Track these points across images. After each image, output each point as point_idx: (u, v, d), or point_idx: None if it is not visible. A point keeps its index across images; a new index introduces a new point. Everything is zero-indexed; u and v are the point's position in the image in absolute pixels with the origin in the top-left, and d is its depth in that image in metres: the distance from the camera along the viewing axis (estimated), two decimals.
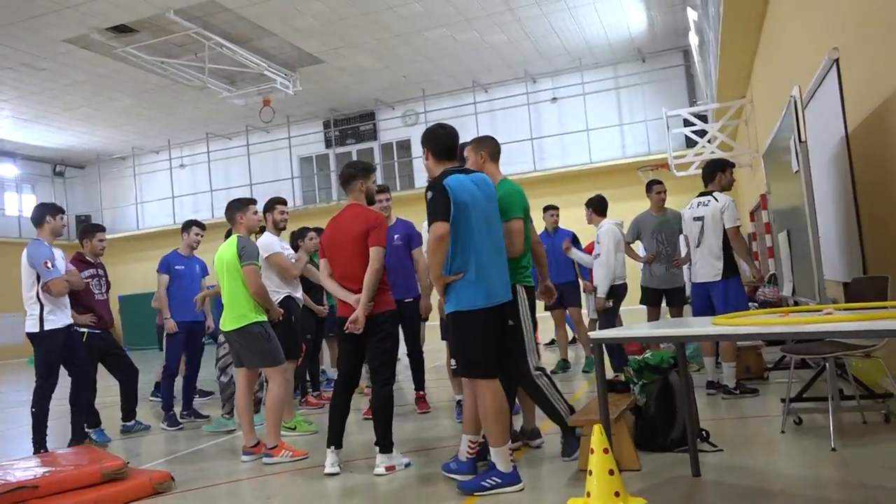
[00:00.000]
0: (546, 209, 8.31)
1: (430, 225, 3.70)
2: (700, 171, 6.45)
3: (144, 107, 19.72)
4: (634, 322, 6.50)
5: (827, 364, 4.37)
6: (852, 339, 4.04)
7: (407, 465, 4.32)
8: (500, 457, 3.64)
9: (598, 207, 7.05)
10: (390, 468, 4.23)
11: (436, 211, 3.68)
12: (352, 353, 4.45)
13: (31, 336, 5.57)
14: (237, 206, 5.18)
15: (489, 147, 4.32)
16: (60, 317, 5.61)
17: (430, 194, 3.74)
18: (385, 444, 4.26)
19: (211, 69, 16.17)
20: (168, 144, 23.61)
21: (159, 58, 15.71)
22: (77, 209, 24.83)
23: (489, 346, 3.74)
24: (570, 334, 10.36)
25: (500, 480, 3.60)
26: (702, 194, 5.97)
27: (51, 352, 5.57)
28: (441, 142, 3.98)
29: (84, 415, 5.90)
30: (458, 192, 3.71)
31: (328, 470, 4.30)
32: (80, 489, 4.02)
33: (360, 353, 4.45)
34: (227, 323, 4.99)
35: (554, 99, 20.34)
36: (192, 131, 22.62)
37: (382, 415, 4.29)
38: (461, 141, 4.24)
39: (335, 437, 4.35)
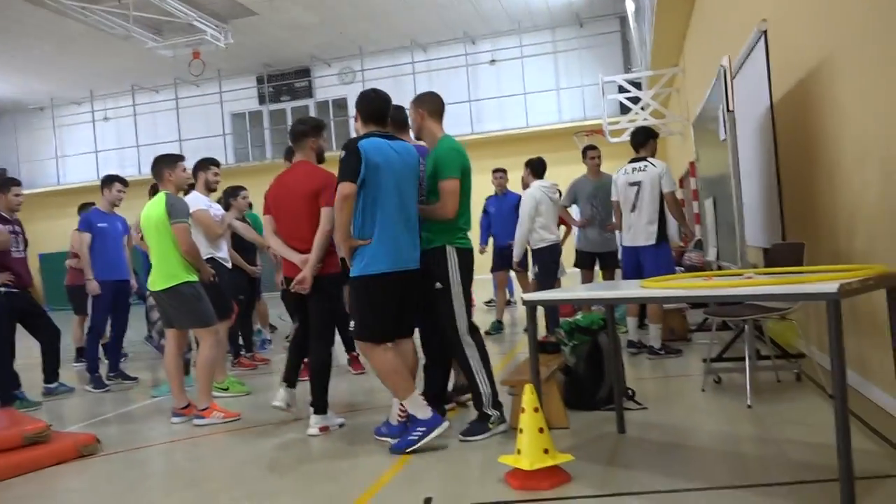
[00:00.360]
0: (494, 171, 8.35)
1: (338, 185, 3.71)
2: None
3: (64, 55, 18.65)
4: (569, 285, 6.65)
5: (746, 326, 4.59)
6: (770, 303, 4.24)
7: (341, 426, 4.34)
8: (413, 405, 3.71)
9: (534, 169, 7.12)
10: (324, 429, 4.24)
11: (344, 171, 3.70)
12: (301, 312, 4.48)
13: None
14: (165, 163, 5.01)
15: (429, 104, 4.13)
16: None
17: (343, 154, 3.73)
18: (320, 405, 4.27)
19: (136, 17, 15.39)
20: (90, 96, 22.48)
21: (80, 3, 14.83)
22: None
23: (387, 312, 3.78)
24: (510, 297, 10.56)
25: (424, 429, 3.66)
26: (634, 160, 6.06)
27: None
28: (371, 105, 3.94)
29: (6, 377, 5.68)
30: (372, 154, 3.70)
31: (275, 402, 4.43)
32: (1, 453, 3.88)
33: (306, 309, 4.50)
34: (157, 283, 4.85)
35: (492, 61, 20.27)
36: (116, 83, 21.58)
37: (319, 376, 4.29)
38: (399, 102, 4.20)
39: (290, 375, 4.47)
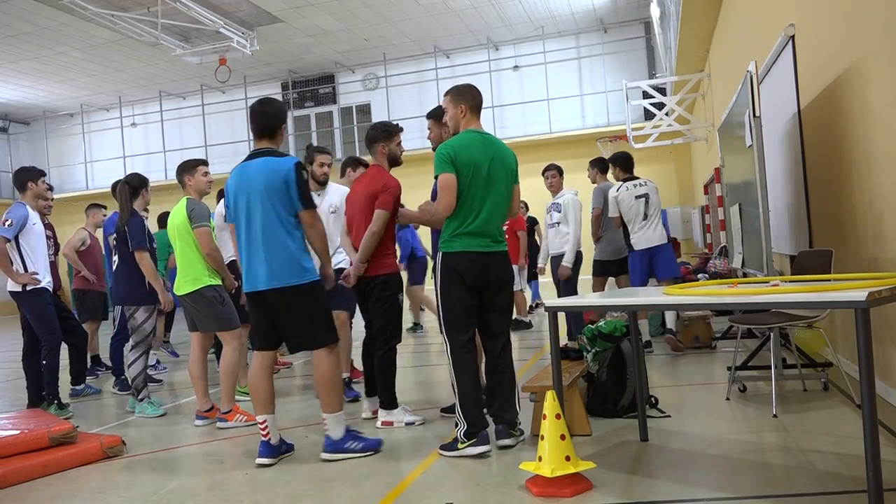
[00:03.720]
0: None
1: None
2: (656, 143, 6.65)
3: (94, 62, 19.01)
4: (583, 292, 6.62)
5: (771, 334, 4.52)
6: (796, 311, 4.18)
7: (409, 424, 4.40)
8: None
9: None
10: (387, 423, 4.39)
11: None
12: (364, 310, 4.67)
13: (14, 295, 5.53)
14: (185, 169, 5.09)
15: (470, 99, 3.92)
16: (42, 275, 5.55)
17: None
18: (385, 399, 4.45)
19: (164, 24, 15.63)
20: (119, 102, 22.86)
21: (109, 10, 15.10)
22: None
23: (253, 325, 4.01)
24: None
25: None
26: (628, 179, 6.64)
27: (41, 305, 5.54)
28: (254, 119, 3.95)
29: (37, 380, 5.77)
30: (228, 187, 3.92)
31: (364, 415, 4.62)
32: (28, 453, 3.95)
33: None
34: (181, 286, 4.91)
35: (515, 67, 20.26)
36: (144, 89, 21.92)
37: (384, 373, 4.44)
38: (422, 108, 4.23)
39: (370, 387, 4.64)
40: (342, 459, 3.74)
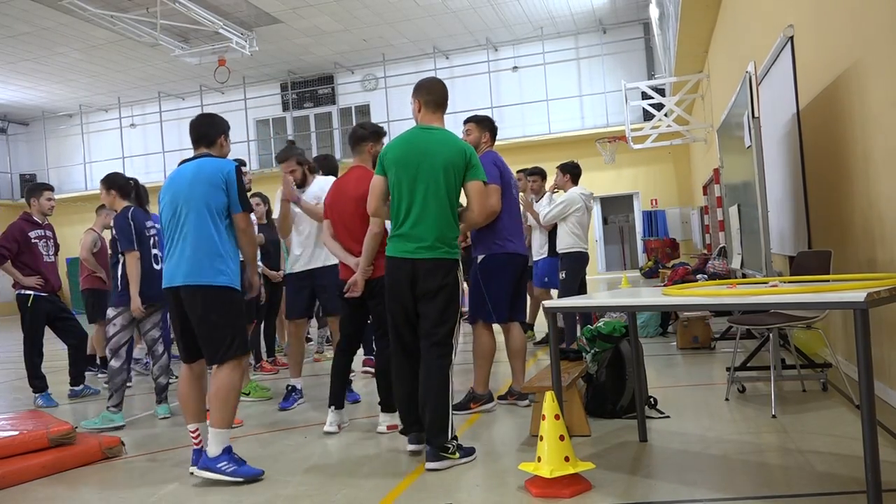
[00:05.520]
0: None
1: None
2: (655, 144, 6.64)
3: (93, 62, 19.00)
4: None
5: (771, 335, 4.52)
6: (795, 311, 4.18)
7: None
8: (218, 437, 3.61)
9: (573, 174, 7.04)
10: (392, 427, 4.28)
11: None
12: (352, 316, 4.48)
13: None
14: None
15: (425, 94, 3.79)
16: None
17: None
18: (388, 403, 4.32)
19: (163, 25, 15.62)
20: (118, 102, 22.85)
21: (108, 11, 15.09)
22: (21, 168, 23.97)
23: (175, 332, 3.78)
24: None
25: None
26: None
27: None
28: (190, 129, 3.86)
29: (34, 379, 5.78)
30: (162, 192, 3.79)
31: (327, 428, 4.40)
32: (27, 454, 3.94)
33: (360, 316, 4.49)
34: None
35: (515, 68, 20.27)
36: (143, 90, 21.92)
37: (385, 375, 4.30)
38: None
39: (336, 398, 4.43)
40: (212, 478, 3.52)
